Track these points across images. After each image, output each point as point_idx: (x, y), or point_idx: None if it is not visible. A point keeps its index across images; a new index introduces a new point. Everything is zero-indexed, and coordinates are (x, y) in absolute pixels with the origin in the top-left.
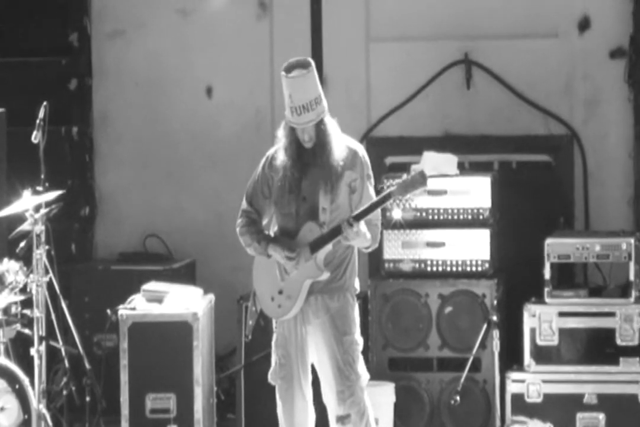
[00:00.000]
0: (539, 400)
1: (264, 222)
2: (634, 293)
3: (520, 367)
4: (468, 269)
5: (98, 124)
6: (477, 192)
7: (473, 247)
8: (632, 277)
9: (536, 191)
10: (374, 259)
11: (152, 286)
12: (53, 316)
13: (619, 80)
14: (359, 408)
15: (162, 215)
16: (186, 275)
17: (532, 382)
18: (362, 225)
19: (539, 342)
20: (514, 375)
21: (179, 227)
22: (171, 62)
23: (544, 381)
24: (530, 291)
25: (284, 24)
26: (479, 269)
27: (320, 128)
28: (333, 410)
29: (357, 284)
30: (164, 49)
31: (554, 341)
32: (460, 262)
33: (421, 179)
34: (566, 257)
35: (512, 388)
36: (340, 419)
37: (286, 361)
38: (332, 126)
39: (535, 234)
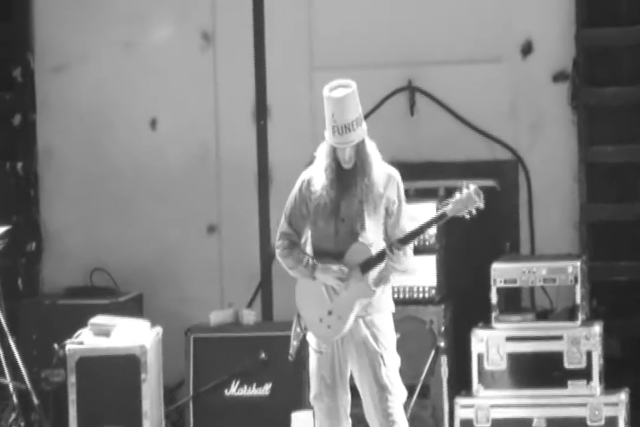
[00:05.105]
0: (488, 425)
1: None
2: (580, 316)
3: (468, 392)
4: (415, 295)
5: (43, 158)
6: (423, 219)
7: (419, 273)
8: (578, 300)
9: (482, 216)
10: None
11: (99, 319)
12: (0, 352)
13: (562, 103)
14: (404, 424)
15: (108, 249)
16: (133, 308)
17: (480, 407)
18: (409, 248)
19: (487, 367)
20: (462, 400)
21: (125, 261)
22: (115, 95)
23: (492, 406)
24: (477, 316)
25: (227, 55)
26: (426, 295)
27: (360, 149)
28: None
29: (392, 302)
30: (108, 82)
31: (502, 365)
32: (407, 289)
33: (476, 196)
34: (512, 281)
35: (460, 413)
36: None
37: (332, 382)
38: (371, 147)
39: (481, 259)
